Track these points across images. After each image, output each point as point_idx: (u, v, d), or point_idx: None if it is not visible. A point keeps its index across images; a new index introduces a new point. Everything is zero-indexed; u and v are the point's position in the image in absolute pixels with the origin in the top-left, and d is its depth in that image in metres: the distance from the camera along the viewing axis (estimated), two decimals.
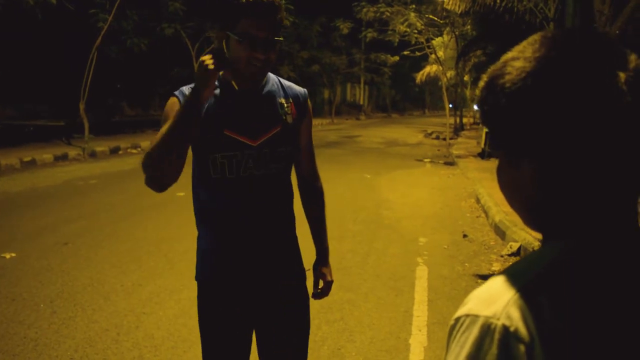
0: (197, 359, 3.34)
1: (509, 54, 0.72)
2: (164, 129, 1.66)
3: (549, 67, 0.67)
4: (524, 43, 0.72)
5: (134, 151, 14.87)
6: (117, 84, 22.93)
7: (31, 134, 15.25)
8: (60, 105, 18.31)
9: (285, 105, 1.87)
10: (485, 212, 7.44)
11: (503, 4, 11.18)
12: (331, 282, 2.07)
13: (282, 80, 1.94)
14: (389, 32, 20.31)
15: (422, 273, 4.99)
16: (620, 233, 0.70)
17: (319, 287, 2.06)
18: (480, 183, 9.27)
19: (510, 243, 5.73)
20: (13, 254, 5.24)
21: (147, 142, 15.87)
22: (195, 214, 1.92)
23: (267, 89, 1.86)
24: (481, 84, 0.75)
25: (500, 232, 6.28)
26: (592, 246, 0.68)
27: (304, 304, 1.97)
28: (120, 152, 14.60)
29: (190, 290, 4.40)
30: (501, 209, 6.90)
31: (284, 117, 1.85)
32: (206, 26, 17.80)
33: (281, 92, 1.89)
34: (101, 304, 4.13)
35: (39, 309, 4.02)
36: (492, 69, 0.74)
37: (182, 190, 8.61)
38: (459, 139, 20.71)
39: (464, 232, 6.54)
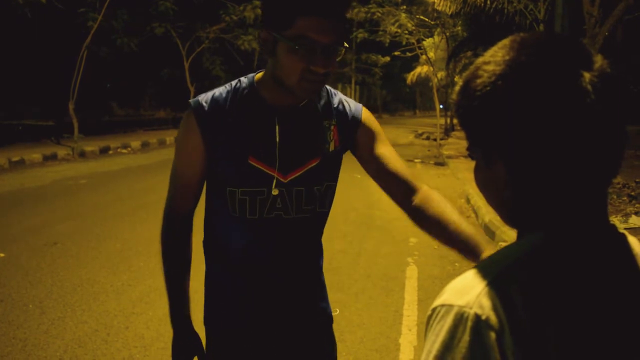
0: None
1: (481, 59, 0.75)
2: (166, 281, 1.64)
3: (516, 70, 0.70)
4: (495, 47, 0.75)
5: (123, 151, 14.80)
6: (107, 84, 22.81)
7: (20, 133, 15.13)
8: (49, 105, 18.18)
9: (330, 128, 1.43)
10: (475, 213, 7.48)
11: (493, 6, 11.27)
12: None
13: (333, 93, 1.48)
14: (380, 33, 20.33)
15: (412, 273, 5.01)
16: (591, 225, 0.73)
17: None
18: (470, 183, 9.30)
19: (499, 243, 5.76)
20: (2, 254, 5.20)
21: (137, 142, 15.82)
22: (206, 248, 1.54)
23: (312, 106, 1.41)
24: (457, 88, 0.79)
25: (490, 232, 6.31)
26: (563, 238, 0.71)
27: (331, 353, 1.63)
28: (110, 152, 14.53)
29: None
30: (491, 209, 6.92)
31: (326, 145, 1.42)
32: (197, 26, 17.76)
33: (327, 111, 1.43)
34: (91, 304, 4.11)
35: (27, 309, 4.00)
36: (466, 73, 0.77)
37: None
38: (450, 140, 20.80)
39: None
